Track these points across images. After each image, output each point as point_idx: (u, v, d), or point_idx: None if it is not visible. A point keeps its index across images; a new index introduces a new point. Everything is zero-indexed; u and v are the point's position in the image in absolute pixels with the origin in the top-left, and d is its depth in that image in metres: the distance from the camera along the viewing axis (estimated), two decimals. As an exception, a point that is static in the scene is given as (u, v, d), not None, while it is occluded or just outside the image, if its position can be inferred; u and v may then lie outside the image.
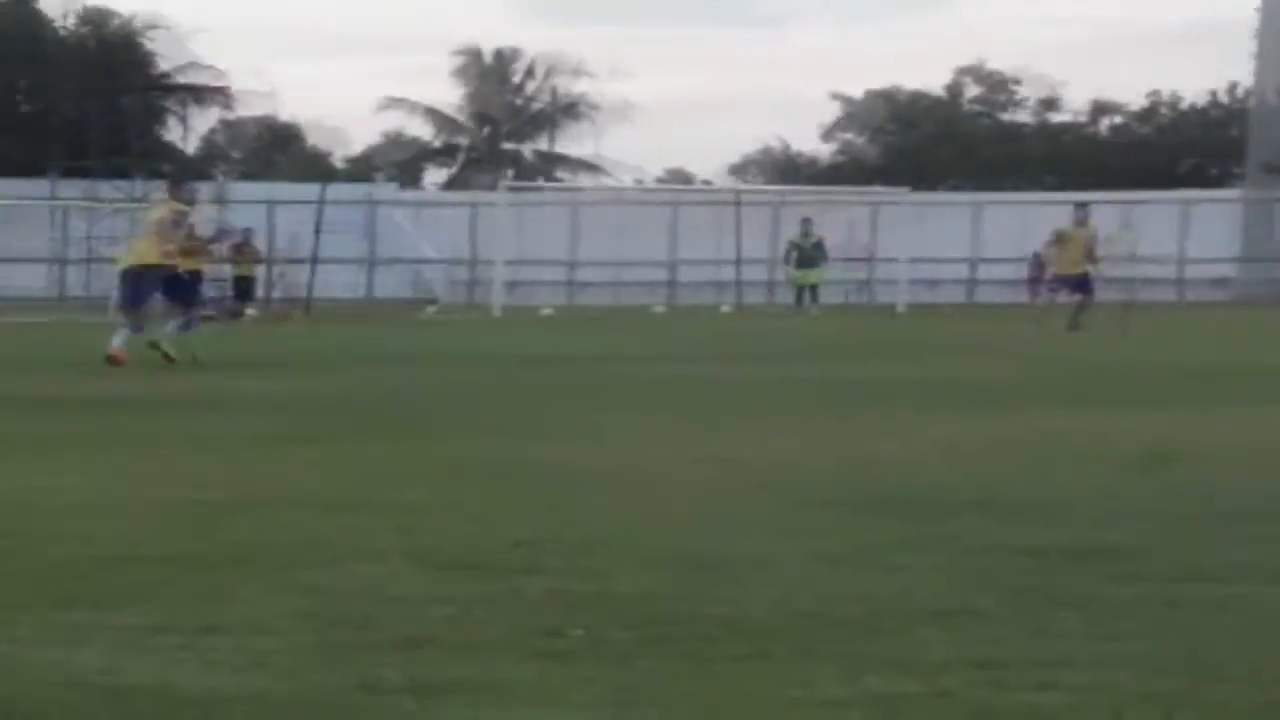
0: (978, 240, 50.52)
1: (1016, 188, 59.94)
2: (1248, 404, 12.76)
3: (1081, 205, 29.60)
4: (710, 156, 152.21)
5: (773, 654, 4.77)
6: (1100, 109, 75.38)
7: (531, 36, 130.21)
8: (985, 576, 5.87)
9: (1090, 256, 27.90)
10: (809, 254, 39.45)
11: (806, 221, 40.63)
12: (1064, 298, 28.14)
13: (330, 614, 5.28)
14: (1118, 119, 75.68)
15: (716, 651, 4.80)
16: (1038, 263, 41.19)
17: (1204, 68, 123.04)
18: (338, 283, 43.91)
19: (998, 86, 75.83)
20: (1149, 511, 7.30)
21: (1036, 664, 4.66)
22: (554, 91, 73.48)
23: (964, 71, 75.34)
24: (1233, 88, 70.49)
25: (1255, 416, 11.72)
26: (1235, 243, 51.36)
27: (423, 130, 75.00)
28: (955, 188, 63.57)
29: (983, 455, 9.66)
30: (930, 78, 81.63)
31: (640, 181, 72.21)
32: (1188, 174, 70.70)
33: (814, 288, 39.72)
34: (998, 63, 76.85)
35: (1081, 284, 27.62)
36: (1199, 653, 4.75)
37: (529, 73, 74.70)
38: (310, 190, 45.46)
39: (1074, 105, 75.91)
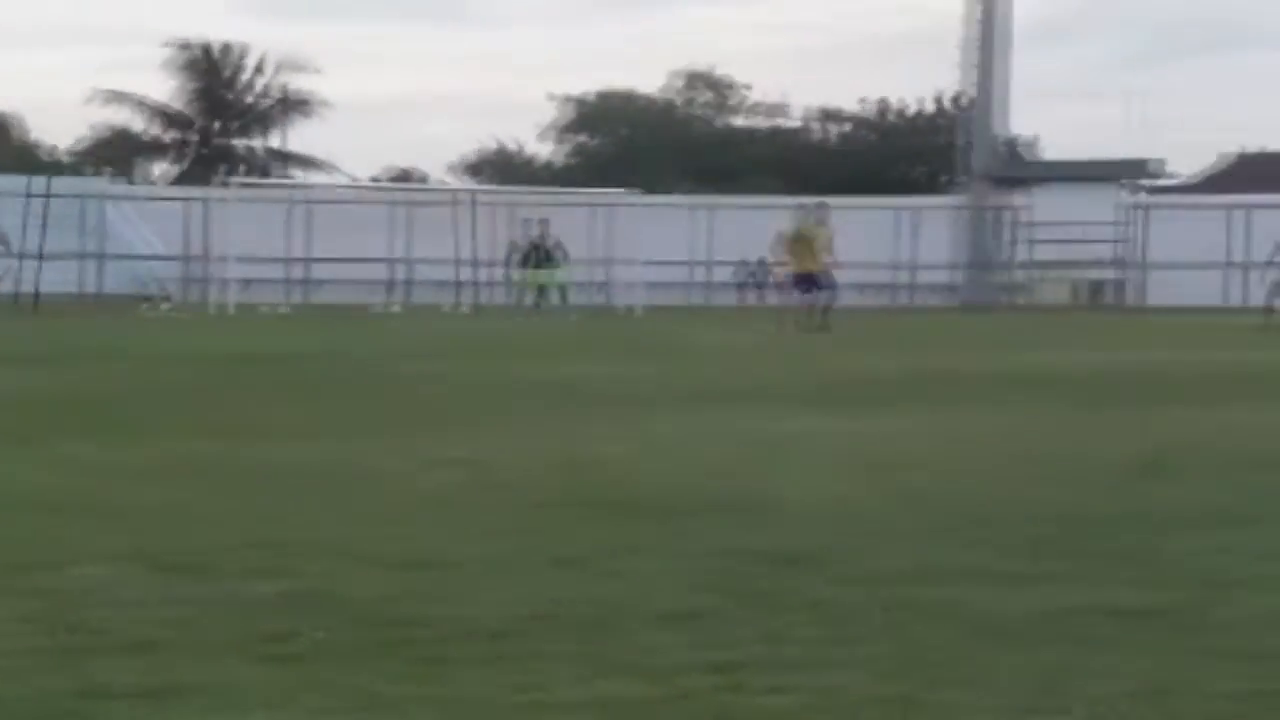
0: (709, 243, 51.07)
1: (744, 192, 60.61)
2: (971, 407, 13.01)
3: (822, 204, 30.11)
4: (432, 155, 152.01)
5: (507, 657, 4.76)
6: (826, 116, 76.56)
7: (251, 31, 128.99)
8: (718, 579, 5.92)
9: (828, 255, 28.41)
10: (546, 255, 39.59)
11: (544, 223, 40.75)
12: (798, 297, 28.53)
13: (56, 617, 5.17)
14: (845, 125, 76.93)
15: (451, 654, 4.77)
16: (762, 266, 41.89)
17: (931, 75, 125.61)
18: (59, 279, 42.99)
19: (726, 92, 76.66)
20: (876, 514, 7.42)
21: (771, 667, 4.70)
22: (282, 88, 72.68)
23: (694, 77, 76.05)
24: (957, 96, 72.09)
25: (972, 420, 11.95)
26: (960, 249, 52.46)
27: (137, 123, 73.71)
28: (685, 191, 64.06)
29: (717, 457, 9.73)
30: (658, 81, 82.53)
31: (375, 179, 71.81)
32: (914, 180, 72.17)
33: (562, 289, 39.92)
34: (726, 68, 77.75)
35: (815, 281, 28.05)
36: (926, 656, 4.84)
37: (257, 69, 73.84)
38: (20, 183, 44.40)
39: (801, 111, 77.08)
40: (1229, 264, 48.91)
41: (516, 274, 40.45)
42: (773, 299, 31.16)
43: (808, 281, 28.34)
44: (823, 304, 27.91)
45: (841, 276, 46.01)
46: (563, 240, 40.50)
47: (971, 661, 4.77)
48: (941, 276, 51.65)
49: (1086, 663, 4.75)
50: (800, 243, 28.64)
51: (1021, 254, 50.84)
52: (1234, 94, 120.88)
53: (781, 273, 30.27)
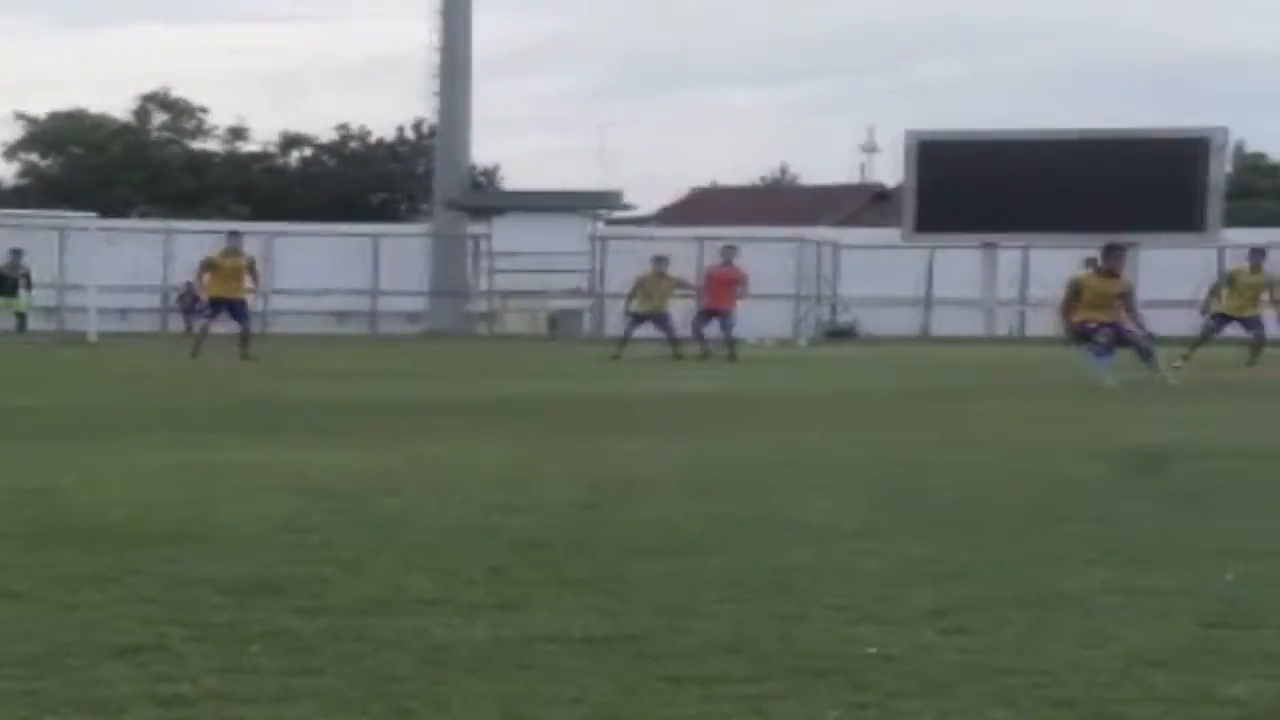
0: (167, 269, 50.09)
1: (206, 216, 59.69)
2: (429, 436, 13.02)
3: (234, 233, 30.37)
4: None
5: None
6: (290, 141, 76.03)
7: None
8: (173, 611, 5.75)
9: (250, 281, 28.85)
10: (13, 282, 38.59)
11: (17, 253, 39.63)
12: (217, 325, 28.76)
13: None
14: (308, 151, 76.52)
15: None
16: (190, 292, 41.60)
17: (392, 103, 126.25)
18: None
19: (185, 114, 75.38)
20: (336, 543, 7.32)
21: (225, 699, 4.59)
22: None
23: (149, 98, 74.51)
24: (417, 124, 72.46)
25: (432, 448, 11.95)
26: (425, 277, 52.65)
27: None
28: (144, 215, 62.76)
29: (172, 485, 9.49)
30: (114, 102, 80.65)
31: None
32: (378, 207, 72.24)
33: (21, 317, 38.80)
34: (184, 90, 76.47)
35: (234, 309, 28.32)
36: (387, 686, 4.78)
37: None
38: None
39: (263, 136, 76.35)
40: (680, 295, 50.27)
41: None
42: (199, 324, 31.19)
43: (229, 307, 28.62)
44: (241, 333, 28.13)
45: (301, 303, 45.81)
46: (29, 268, 39.45)
47: (433, 691, 4.72)
48: (407, 304, 51.78)
49: (548, 691, 4.76)
50: (219, 270, 28.93)
51: (491, 283, 51.32)
52: (695, 129, 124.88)
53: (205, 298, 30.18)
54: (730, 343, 31.01)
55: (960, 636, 5.48)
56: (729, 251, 33.25)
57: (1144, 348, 21.76)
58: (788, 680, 4.90)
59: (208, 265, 29.25)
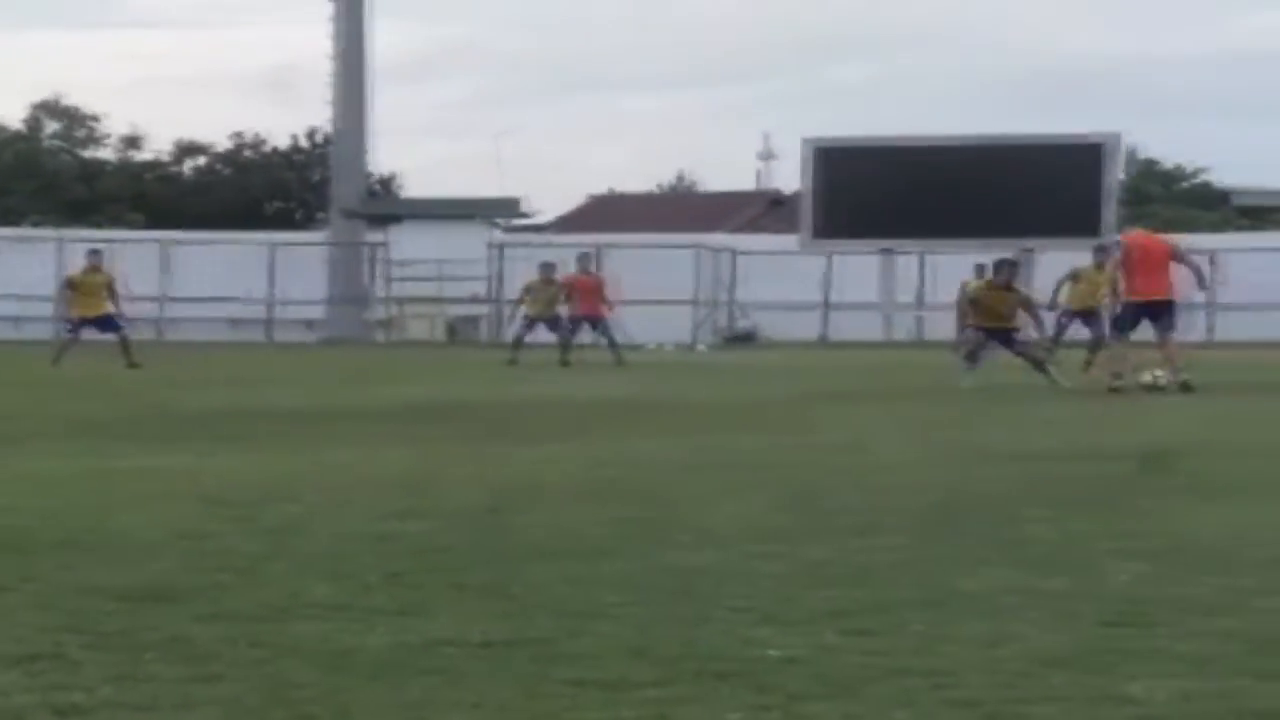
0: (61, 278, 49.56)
1: (100, 225, 59.15)
2: (331, 443, 12.96)
3: (94, 250, 30.31)
4: None
5: None
6: (185, 149, 75.45)
7: None
8: (69, 619, 5.69)
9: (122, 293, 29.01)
10: None
11: None
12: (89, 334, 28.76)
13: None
14: (202, 160, 75.96)
15: None
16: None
17: (289, 111, 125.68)
18: None
19: (77, 122, 74.68)
20: (234, 551, 7.27)
21: (121, 708, 4.55)
22: None
23: (40, 106, 73.75)
24: (312, 132, 72.09)
25: (334, 455, 11.90)
26: (325, 284, 52.35)
27: None
28: (37, 224, 62.11)
29: (67, 493, 9.40)
30: (6, 110, 79.78)
31: None
32: (273, 216, 71.81)
33: None
34: (76, 98, 75.73)
35: (107, 322, 28.37)
36: (288, 693, 4.74)
37: None
38: None
39: (157, 144, 75.75)
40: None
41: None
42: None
43: (96, 324, 28.69)
44: (120, 342, 28.18)
45: (198, 310, 45.51)
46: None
47: (334, 697, 4.69)
48: (305, 312, 51.46)
49: (449, 695, 4.74)
50: (81, 288, 29.03)
51: (389, 290, 51.09)
52: (593, 135, 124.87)
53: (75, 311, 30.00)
54: (614, 347, 31.19)
55: (862, 638, 5.49)
56: (585, 260, 33.65)
57: (1036, 358, 22.17)
58: (690, 683, 4.89)
59: (70, 284, 29.29)
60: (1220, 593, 6.28)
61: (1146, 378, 21.12)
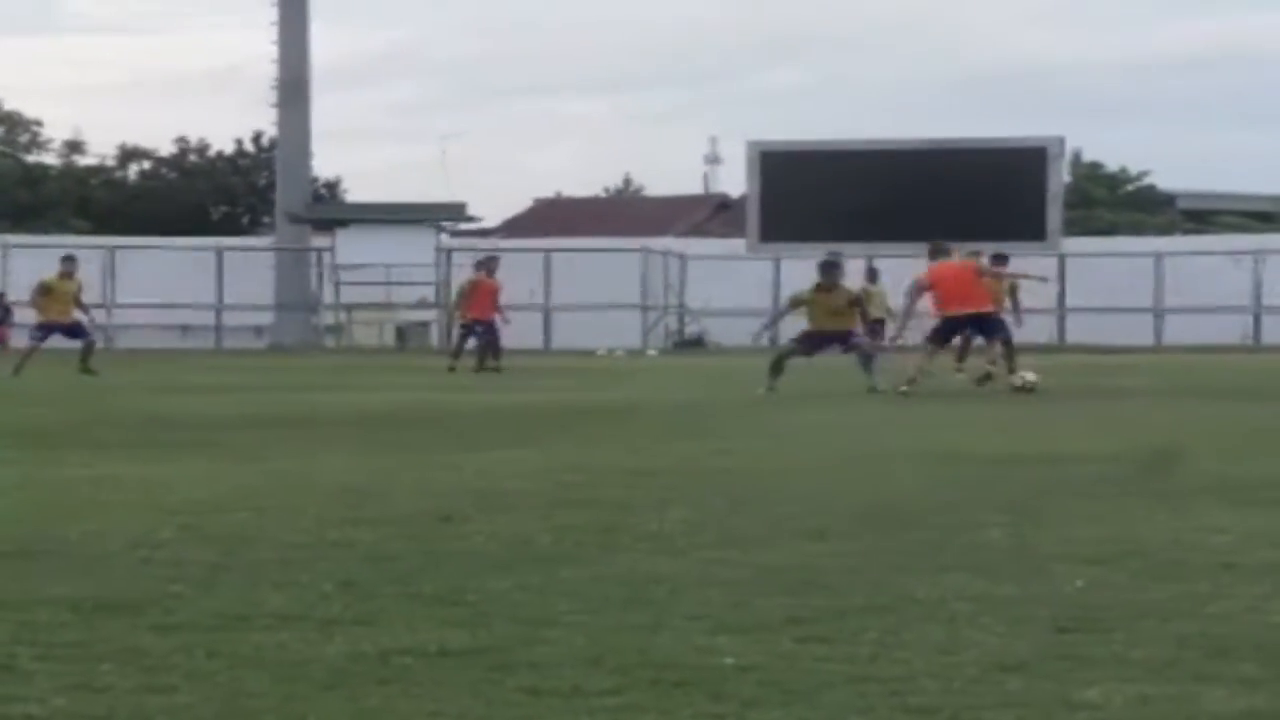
0: (3, 283, 49.31)
1: (44, 231, 58.85)
2: (274, 449, 12.92)
3: (68, 257, 30.25)
4: None
5: None
6: (128, 154, 75.09)
7: None
8: (21, 630, 5.66)
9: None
10: None
11: None
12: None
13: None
14: (146, 164, 75.62)
15: None
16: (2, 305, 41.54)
17: (233, 115, 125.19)
18: None
19: (20, 127, 74.28)
20: (185, 560, 7.24)
21: (74, 719, 4.52)
22: None
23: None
24: (257, 136, 71.87)
25: (276, 464, 11.86)
26: (270, 290, 52.15)
27: None
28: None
29: (18, 502, 9.36)
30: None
31: None
32: (220, 221, 71.54)
33: None
34: (17, 103, 75.32)
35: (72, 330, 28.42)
36: (244, 703, 4.73)
37: None
38: None
39: (100, 149, 75.38)
40: (530, 307, 50.23)
41: None
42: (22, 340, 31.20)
43: (63, 330, 28.92)
44: (83, 347, 28.34)
45: (145, 317, 45.28)
46: None
47: (289, 707, 4.68)
48: (253, 318, 51.25)
49: (405, 705, 4.73)
50: (53, 293, 29.13)
51: (337, 295, 50.96)
52: (539, 140, 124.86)
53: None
54: (495, 353, 31.10)
55: (817, 644, 5.50)
56: (491, 263, 33.54)
57: (866, 355, 22.88)
58: (646, 691, 4.89)
59: (43, 289, 29.20)
60: (1174, 598, 6.31)
61: (1017, 380, 21.40)
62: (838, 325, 22.97)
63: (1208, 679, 4.99)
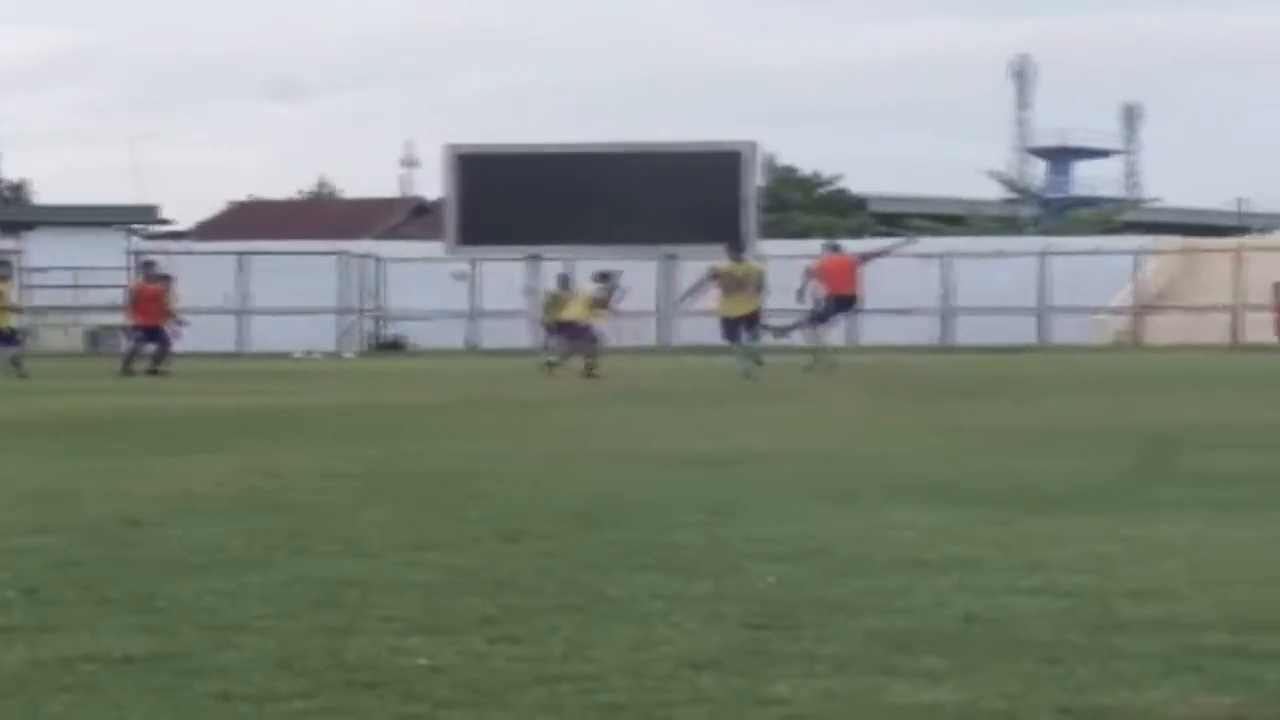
0: None
1: None
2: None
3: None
4: None
5: None
6: None
7: None
8: None
9: None
10: None
11: None
12: None
13: None
14: None
15: None
16: None
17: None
18: None
19: None
20: None
21: None
22: None
23: None
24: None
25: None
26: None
27: None
28: None
29: None
30: None
31: None
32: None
33: None
34: None
35: None
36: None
37: None
38: None
39: None
40: (224, 310, 49.52)
41: None
42: None
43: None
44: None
45: None
46: None
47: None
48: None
49: (88, 713, 4.62)
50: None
51: (25, 298, 49.73)
52: (233, 141, 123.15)
53: None
54: (159, 358, 30.99)
55: (509, 645, 5.49)
56: (149, 267, 33.48)
57: (586, 349, 27.04)
58: (338, 694, 4.84)
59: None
60: (862, 593, 6.41)
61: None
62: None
63: (894, 672, 5.08)
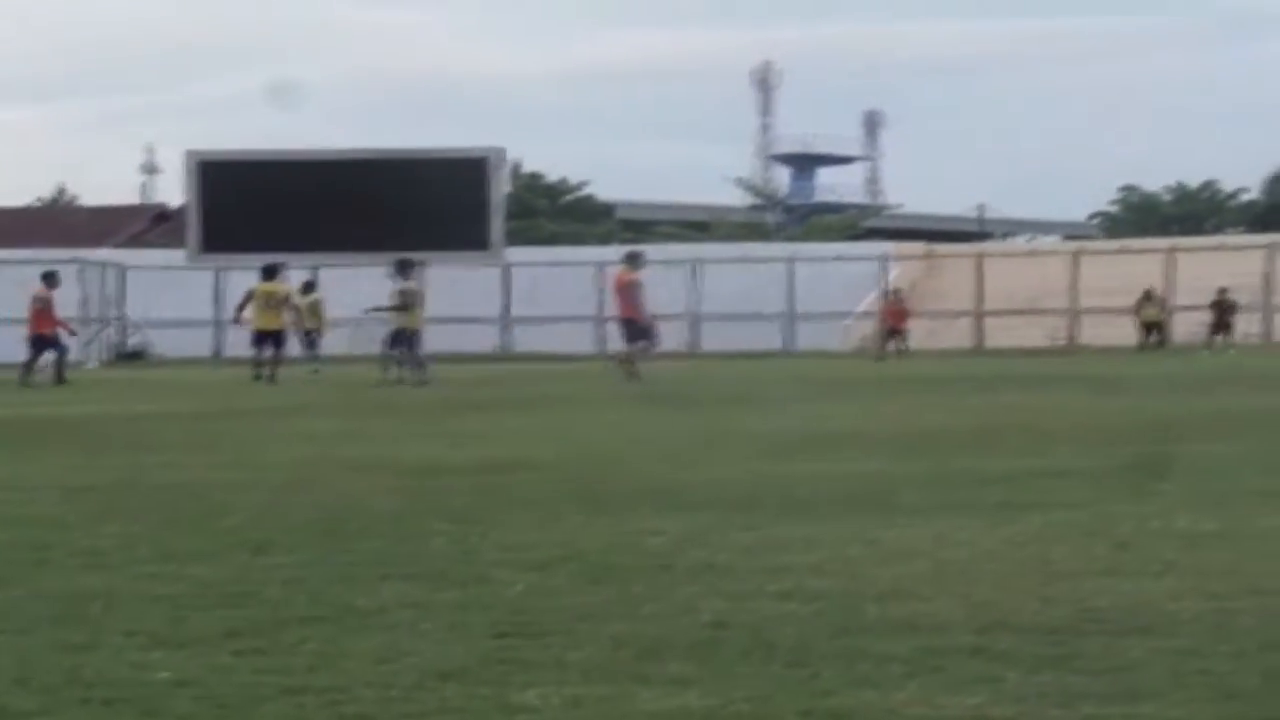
0: None
1: None
2: None
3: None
4: None
5: None
6: None
7: None
8: None
9: None
10: None
11: None
12: None
13: None
14: None
15: None
16: None
17: None
18: None
19: None
20: None
21: None
22: None
23: None
24: None
25: None
26: None
27: None
28: None
29: None
30: None
31: None
32: None
33: None
34: None
35: None
36: None
37: None
38: None
39: None
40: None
41: None
42: None
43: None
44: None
45: None
46: None
47: None
48: None
49: None
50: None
51: None
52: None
53: None
54: None
55: (255, 657, 5.41)
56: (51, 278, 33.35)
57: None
58: (75, 711, 4.73)
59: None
60: (611, 600, 6.42)
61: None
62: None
63: (641, 679, 5.08)
